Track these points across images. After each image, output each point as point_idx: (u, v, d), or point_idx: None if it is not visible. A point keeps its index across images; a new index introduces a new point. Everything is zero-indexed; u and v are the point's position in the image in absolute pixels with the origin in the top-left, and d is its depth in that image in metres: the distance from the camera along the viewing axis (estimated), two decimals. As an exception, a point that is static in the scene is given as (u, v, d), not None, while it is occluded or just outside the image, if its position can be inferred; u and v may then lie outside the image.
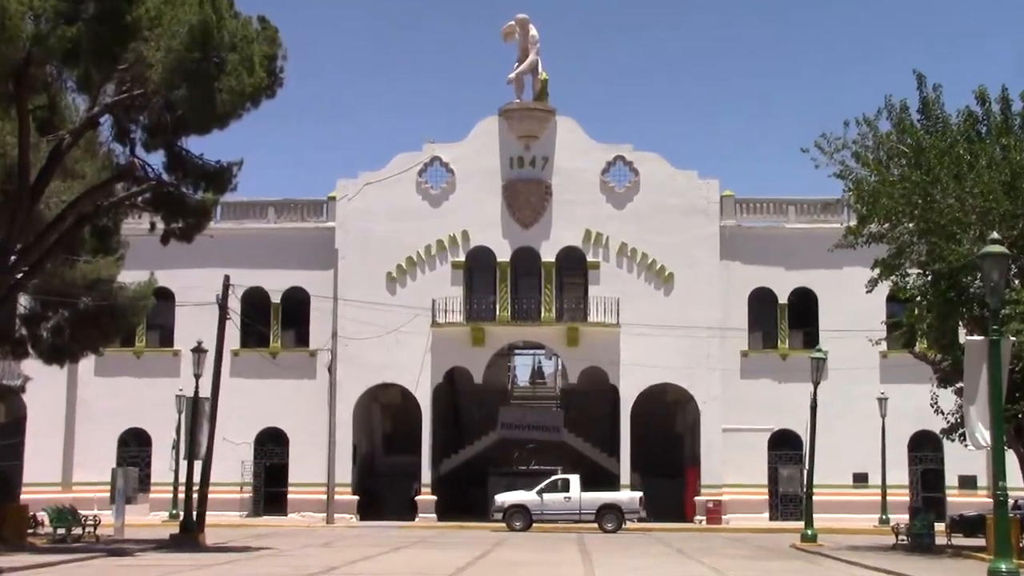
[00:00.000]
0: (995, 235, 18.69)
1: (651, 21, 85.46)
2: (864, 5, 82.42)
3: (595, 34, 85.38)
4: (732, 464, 38.46)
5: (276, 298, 40.29)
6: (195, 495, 27.43)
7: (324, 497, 38.79)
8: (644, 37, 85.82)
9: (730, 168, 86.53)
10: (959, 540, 27.69)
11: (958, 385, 23.90)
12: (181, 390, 35.64)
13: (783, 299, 39.81)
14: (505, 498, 35.01)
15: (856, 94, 77.84)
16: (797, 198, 40.41)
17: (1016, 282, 24.14)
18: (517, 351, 46.58)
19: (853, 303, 35.86)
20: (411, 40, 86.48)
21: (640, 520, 34.99)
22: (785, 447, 39.03)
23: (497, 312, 39.18)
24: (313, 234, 40.31)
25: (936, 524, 28.72)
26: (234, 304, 32.49)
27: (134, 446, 39.96)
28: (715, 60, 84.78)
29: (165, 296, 36.93)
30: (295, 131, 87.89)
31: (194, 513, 27.12)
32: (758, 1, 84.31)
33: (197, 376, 30.64)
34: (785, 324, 39.69)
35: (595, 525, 34.26)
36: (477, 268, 39.68)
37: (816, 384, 30.59)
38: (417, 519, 38.18)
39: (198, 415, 28.58)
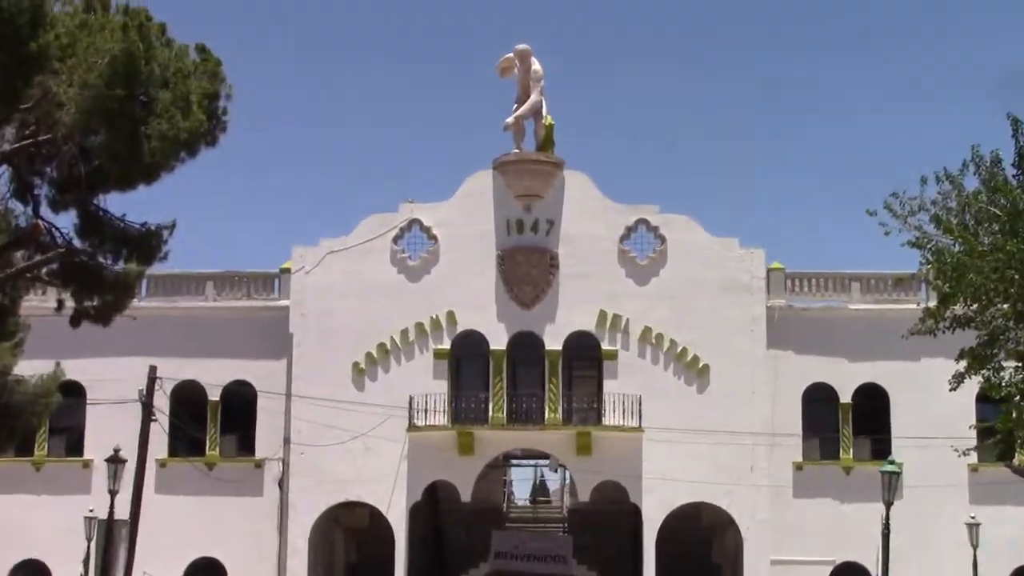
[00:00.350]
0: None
1: (681, 61, 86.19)
2: (946, 42, 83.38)
3: (612, 72, 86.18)
4: (784, 606, 38.03)
5: (214, 394, 40.06)
6: (106, 645, 26.73)
7: (271, 646, 38.22)
8: (672, 78, 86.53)
9: (778, 236, 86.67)
10: None
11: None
12: (92, 511, 35.04)
13: (846, 398, 39.67)
14: (499, 648, 34.28)
15: (935, 145, 78.27)
16: (863, 272, 40.48)
17: None
18: (515, 461, 46.22)
19: (934, 403, 35.74)
20: (384, 77, 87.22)
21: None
22: (851, 585, 38.57)
23: (490, 413, 38.92)
24: (262, 315, 40.23)
25: None
26: (161, 402, 32.15)
27: (30, 582, 39.29)
28: (758, 108, 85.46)
29: (74, 392, 36.63)
30: (241, 187, 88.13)
31: (104, 668, 26.38)
32: (809, 43, 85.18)
33: (113, 493, 30.17)
34: (849, 429, 39.46)
35: None
36: (465, 358, 39.56)
37: (889, 505, 30.10)
38: (388, 675, 37.60)
39: (113, 542, 28.13)
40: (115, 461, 30.59)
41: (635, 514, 38.78)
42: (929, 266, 26.06)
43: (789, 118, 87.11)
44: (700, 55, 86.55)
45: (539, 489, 53.25)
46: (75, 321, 25.45)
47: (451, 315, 39.32)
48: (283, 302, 40.12)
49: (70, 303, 25.44)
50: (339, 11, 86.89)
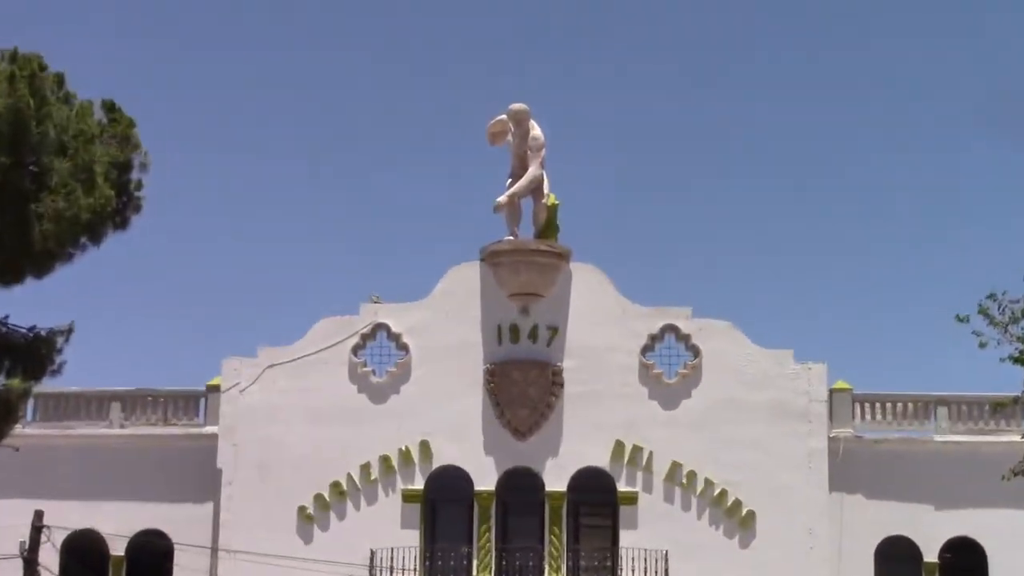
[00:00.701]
0: None
1: (717, 128, 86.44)
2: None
3: (631, 140, 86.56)
4: None
5: (118, 548, 39.69)
6: None
7: None
8: (709, 156, 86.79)
9: (842, 348, 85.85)
10: None
11: None
12: None
13: (931, 556, 39.48)
14: None
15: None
16: (951, 395, 40.53)
17: None
18: (506, 635, 45.86)
19: (1045, 563, 35.51)
20: (338, 141, 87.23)
21: None
22: None
23: (474, 572, 38.64)
24: (182, 446, 40.07)
25: None
26: (50, 558, 31.71)
27: None
28: (815, 191, 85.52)
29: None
30: (158, 282, 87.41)
31: None
32: (881, 122, 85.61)
33: (-16, 676, 29.59)
34: (936, 596, 39.38)
35: None
36: (443, 501, 39.40)
37: None
38: None
39: None
40: (-11, 635, 30.11)
41: None
42: (1036, 388, 26.06)
43: (854, 205, 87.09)
44: (741, 127, 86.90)
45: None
46: (-60, 453, 25.31)
47: (425, 446, 39.10)
48: (210, 429, 39.87)
49: (-66, 430, 25.32)
50: (281, 66, 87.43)
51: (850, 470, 39.19)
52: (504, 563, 38.70)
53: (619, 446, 39.07)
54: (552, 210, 40.20)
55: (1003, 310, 25.85)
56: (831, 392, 39.75)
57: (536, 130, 40.08)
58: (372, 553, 38.10)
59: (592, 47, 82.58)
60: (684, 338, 39.85)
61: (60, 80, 23.24)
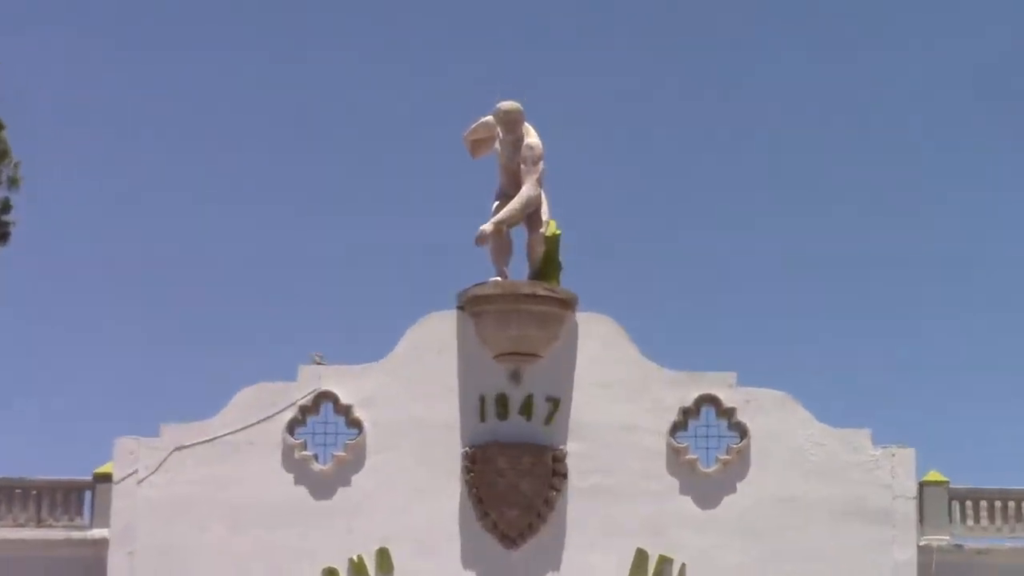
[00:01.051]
0: None
1: (766, 135, 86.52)
2: None
3: (654, 151, 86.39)
4: None
5: None
6: None
7: None
8: (742, 188, 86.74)
9: (935, 431, 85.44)
10: None
11: None
12: None
13: None
14: None
15: None
16: (1080, 489, 40.24)
17: None
18: None
19: None
20: (275, 173, 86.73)
21: None
22: None
23: None
24: (62, 554, 39.79)
25: None
26: None
27: None
28: (890, 231, 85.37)
29: None
30: (33, 341, 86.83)
31: None
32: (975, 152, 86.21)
33: None
34: None
35: None
36: (409, 630, 38.76)
37: None
38: None
39: None
40: None
41: None
42: None
43: (941, 244, 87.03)
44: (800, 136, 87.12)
45: None
46: None
47: (384, 556, 38.62)
48: (98, 532, 39.58)
49: None
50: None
51: (950, 589, 39.15)
52: None
53: (641, 557, 38.63)
54: (553, 242, 39.68)
55: None
56: (921, 486, 39.51)
57: (533, 137, 39.54)
58: None
59: (592, 48, 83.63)
60: (726, 413, 39.42)
61: None
